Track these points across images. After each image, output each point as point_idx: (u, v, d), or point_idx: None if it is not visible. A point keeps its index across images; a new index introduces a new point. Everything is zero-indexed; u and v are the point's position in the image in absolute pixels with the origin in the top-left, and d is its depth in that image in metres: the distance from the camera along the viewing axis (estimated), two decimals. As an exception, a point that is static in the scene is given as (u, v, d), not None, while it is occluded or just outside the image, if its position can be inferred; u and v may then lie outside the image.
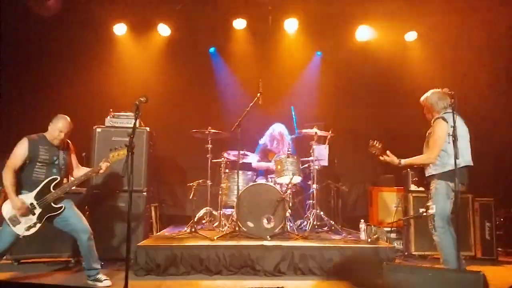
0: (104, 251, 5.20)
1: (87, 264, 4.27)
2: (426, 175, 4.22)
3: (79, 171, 4.45)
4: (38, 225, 4.11)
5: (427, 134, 4.25)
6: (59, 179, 4.24)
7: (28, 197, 4.10)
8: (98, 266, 4.31)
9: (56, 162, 4.27)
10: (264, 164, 6.56)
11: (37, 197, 4.11)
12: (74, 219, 4.27)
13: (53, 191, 4.15)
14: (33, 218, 4.09)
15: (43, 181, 4.16)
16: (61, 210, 4.18)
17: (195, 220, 5.82)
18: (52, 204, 4.15)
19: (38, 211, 4.11)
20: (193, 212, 5.86)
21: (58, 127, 4.25)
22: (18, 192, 4.09)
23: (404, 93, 7.02)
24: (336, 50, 7.64)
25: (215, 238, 5.14)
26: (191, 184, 5.94)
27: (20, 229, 4.05)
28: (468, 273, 3.05)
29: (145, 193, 5.51)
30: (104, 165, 4.29)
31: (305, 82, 7.75)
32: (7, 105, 6.59)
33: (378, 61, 7.46)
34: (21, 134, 4.27)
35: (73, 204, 4.38)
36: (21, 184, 4.14)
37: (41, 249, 5.03)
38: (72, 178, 4.44)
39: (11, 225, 4.03)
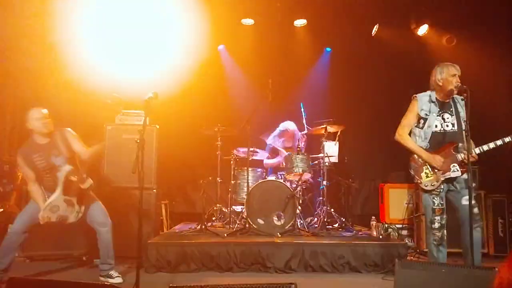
0: (115, 248, 5.24)
1: (103, 258, 4.30)
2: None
3: (88, 151, 4.37)
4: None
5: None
6: (70, 167, 4.20)
7: (56, 196, 4.13)
8: (112, 262, 4.34)
9: (57, 163, 4.20)
10: (274, 161, 6.54)
11: (64, 192, 4.15)
12: (96, 211, 4.32)
13: (75, 179, 4.17)
14: (76, 207, 4.20)
15: (55, 185, 4.16)
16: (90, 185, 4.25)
17: (205, 217, 5.83)
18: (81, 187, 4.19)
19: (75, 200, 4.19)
20: (203, 209, 5.87)
21: (36, 117, 4.18)
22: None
23: (415, 88, 6.93)
24: (346, 46, 7.57)
25: (225, 235, 5.14)
26: (201, 181, 5.94)
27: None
28: (482, 269, 3.00)
29: (155, 191, 5.53)
30: None
31: (315, 79, 7.70)
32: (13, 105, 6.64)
33: (388, 56, 7.39)
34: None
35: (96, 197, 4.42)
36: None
37: (53, 246, 5.08)
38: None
39: (48, 210, 4.08)
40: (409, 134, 4.09)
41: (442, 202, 3.89)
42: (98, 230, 4.31)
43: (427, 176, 3.92)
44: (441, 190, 3.90)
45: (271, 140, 6.73)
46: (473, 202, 3.69)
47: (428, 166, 3.92)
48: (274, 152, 6.71)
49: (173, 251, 4.69)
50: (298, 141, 6.27)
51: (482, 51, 6.79)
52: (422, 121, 4.00)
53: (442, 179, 3.88)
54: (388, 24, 7.33)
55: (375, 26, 7.33)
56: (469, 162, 3.59)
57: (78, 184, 4.18)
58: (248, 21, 7.40)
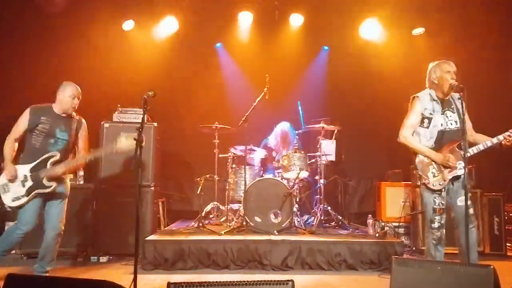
0: (112, 246, 5.28)
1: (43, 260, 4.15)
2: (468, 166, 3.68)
3: (81, 156, 4.23)
4: (24, 199, 3.95)
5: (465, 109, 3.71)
6: (58, 156, 4.07)
7: (24, 168, 4.01)
8: (49, 268, 4.18)
9: (58, 136, 4.11)
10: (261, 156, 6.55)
11: (32, 170, 4.00)
12: (52, 214, 4.15)
13: (49, 167, 4.02)
14: (22, 190, 3.96)
15: (38, 150, 4.03)
16: (51, 188, 4.02)
17: (203, 215, 5.84)
18: (44, 180, 4.01)
19: (28, 184, 3.98)
20: (200, 207, 5.89)
21: (69, 94, 4.11)
22: (16, 162, 4.03)
23: (412, 87, 6.95)
24: (343, 44, 7.59)
25: (222, 232, 5.15)
26: (198, 179, 5.95)
27: (7, 199, 3.97)
28: (478, 266, 3.01)
29: (152, 188, 5.54)
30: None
31: (312, 77, 7.71)
32: (14, 102, 6.62)
33: (385, 55, 7.41)
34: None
35: (64, 203, 4.22)
36: (21, 155, 4.10)
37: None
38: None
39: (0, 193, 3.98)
40: (412, 134, 3.99)
41: (443, 202, 3.81)
42: (46, 233, 4.13)
43: (434, 176, 3.82)
44: (443, 190, 3.82)
45: (272, 141, 6.73)
46: (468, 202, 3.64)
47: (434, 165, 3.83)
48: (268, 151, 6.70)
49: (170, 249, 4.70)
50: (296, 142, 6.29)
51: (477, 51, 6.86)
52: (426, 120, 3.91)
53: (450, 177, 3.80)
54: (385, 23, 7.36)
55: (371, 25, 7.34)
56: (465, 161, 3.59)
57: (47, 176, 4.02)
58: (246, 19, 7.40)
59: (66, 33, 6.83)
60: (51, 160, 4.05)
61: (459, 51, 6.87)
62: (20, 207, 3.97)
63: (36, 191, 4.00)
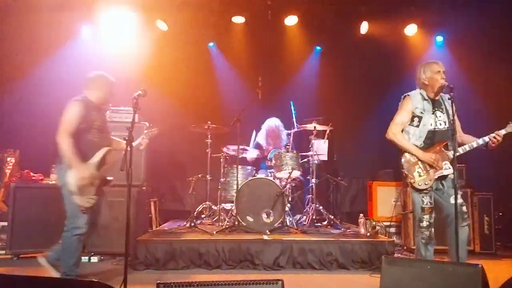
0: (103, 246, 5.24)
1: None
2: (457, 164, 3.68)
3: (118, 143, 4.15)
4: (95, 198, 3.81)
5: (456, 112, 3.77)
6: (110, 149, 3.96)
7: (89, 167, 3.77)
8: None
9: (106, 129, 4.01)
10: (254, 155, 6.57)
11: (96, 168, 3.81)
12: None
13: (106, 161, 3.88)
14: (92, 190, 3.79)
15: (97, 145, 3.84)
16: (111, 182, 3.96)
17: (195, 215, 5.83)
18: (105, 176, 3.92)
19: (97, 182, 3.81)
20: (192, 207, 5.89)
21: (108, 88, 3.98)
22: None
23: (404, 87, 6.98)
24: (336, 44, 7.62)
25: (214, 232, 5.15)
26: (190, 179, 5.94)
27: (83, 200, 3.73)
28: (467, 265, 3.04)
29: (144, 188, 5.51)
30: (144, 142, 4.09)
31: (305, 77, 7.74)
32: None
33: (377, 55, 7.45)
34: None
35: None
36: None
37: (40, 244, 5.01)
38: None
39: (76, 197, 3.71)
40: (401, 132, 3.99)
41: (431, 201, 3.82)
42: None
43: (419, 175, 3.82)
44: (431, 189, 3.84)
45: (261, 139, 6.75)
46: (461, 201, 3.71)
47: (421, 165, 3.84)
48: (261, 150, 6.71)
49: (162, 249, 4.69)
50: (288, 139, 6.30)
51: (472, 51, 6.92)
52: (416, 119, 3.90)
53: (435, 177, 3.81)
54: (377, 23, 7.39)
55: (364, 25, 7.37)
56: (455, 161, 3.61)
57: (104, 170, 3.89)
58: (239, 19, 7.40)
59: (55, 31, 6.79)
60: (107, 153, 3.91)
61: (454, 50, 6.95)
62: (90, 207, 3.80)
63: (101, 188, 3.91)
